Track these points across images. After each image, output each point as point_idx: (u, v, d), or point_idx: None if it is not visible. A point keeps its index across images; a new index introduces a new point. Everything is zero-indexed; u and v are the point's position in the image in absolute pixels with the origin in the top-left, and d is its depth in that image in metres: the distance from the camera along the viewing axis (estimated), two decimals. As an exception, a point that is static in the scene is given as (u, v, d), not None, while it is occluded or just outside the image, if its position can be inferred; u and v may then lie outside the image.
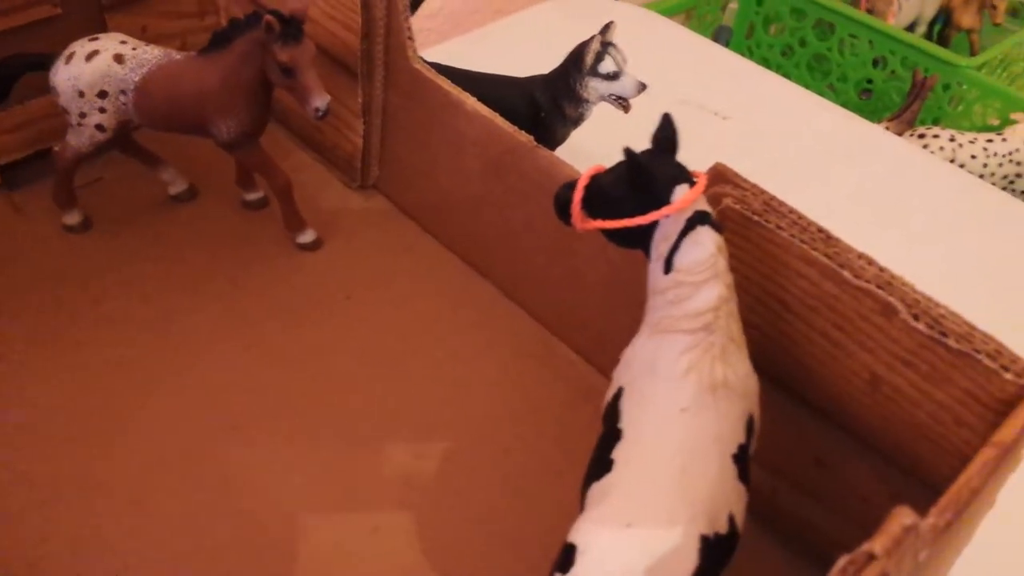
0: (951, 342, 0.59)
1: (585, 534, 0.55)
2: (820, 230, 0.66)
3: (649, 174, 0.62)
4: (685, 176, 0.63)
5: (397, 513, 0.77)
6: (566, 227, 0.68)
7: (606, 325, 0.87)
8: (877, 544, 0.43)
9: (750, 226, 0.69)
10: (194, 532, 0.74)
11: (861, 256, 0.64)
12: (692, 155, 0.66)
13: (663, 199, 0.62)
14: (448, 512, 0.77)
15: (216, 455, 0.80)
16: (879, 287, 0.62)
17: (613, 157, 0.66)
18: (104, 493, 0.77)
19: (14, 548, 0.72)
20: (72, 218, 0.99)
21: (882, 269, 0.63)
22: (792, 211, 0.67)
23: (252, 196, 1.03)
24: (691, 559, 0.53)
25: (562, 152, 0.92)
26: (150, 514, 0.75)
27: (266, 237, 1.01)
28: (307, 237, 0.99)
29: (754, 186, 0.69)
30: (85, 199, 1.00)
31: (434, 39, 1.58)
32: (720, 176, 0.70)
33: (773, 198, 0.68)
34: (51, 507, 0.75)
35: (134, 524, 0.75)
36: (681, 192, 0.62)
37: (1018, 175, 1.61)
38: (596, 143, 0.99)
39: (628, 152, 0.62)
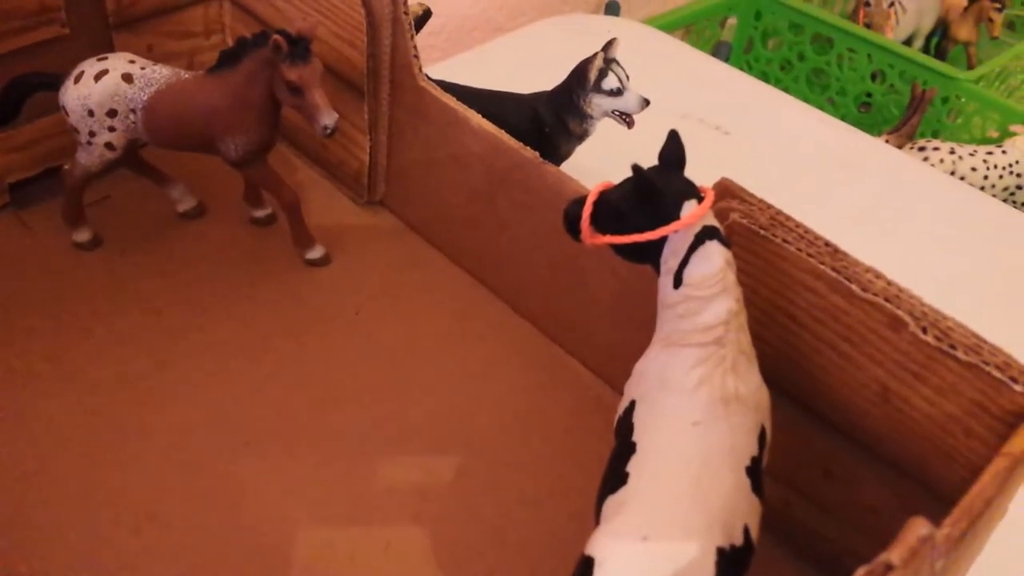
0: (960, 354, 0.60)
1: (602, 547, 0.55)
2: (827, 244, 0.66)
3: (657, 190, 0.63)
4: (693, 191, 0.64)
5: (410, 527, 0.77)
6: (574, 242, 0.69)
7: (614, 338, 0.87)
8: (895, 554, 0.43)
9: (757, 240, 0.69)
10: (207, 547, 0.75)
11: (869, 269, 0.65)
12: (693, 170, 0.66)
13: (672, 214, 0.63)
14: (461, 526, 0.78)
15: (227, 470, 0.80)
16: (887, 300, 0.63)
17: (616, 172, 0.66)
18: (117, 509, 0.77)
19: (28, 563, 0.72)
20: (82, 235, 0.99)
21: (890, 282, 0.64)
22: (799, 225, 0.68)
23: (260, 213, 1.04)
24: (707, 571, 0.53)
25: (566, 168, 0.93)
26: (163, 529, 0.76)
27: (274, 254, 1.01)
28: (315, 253, 1.00)
29: (760, 201, 0.70)
30: (94, 217, 1.00)
31: (436, 56, 1.59)
32: (726, 191, 0.71)
33: (780, 212, 0.69)
34: (65, 522, 0.75)
35: (148, 540, 0.75)
36: (689, 207, 0.63)
37: (1018, 187, 1.63)
38: (599, 159, 1.00)
39: (636, 168, 0.62)
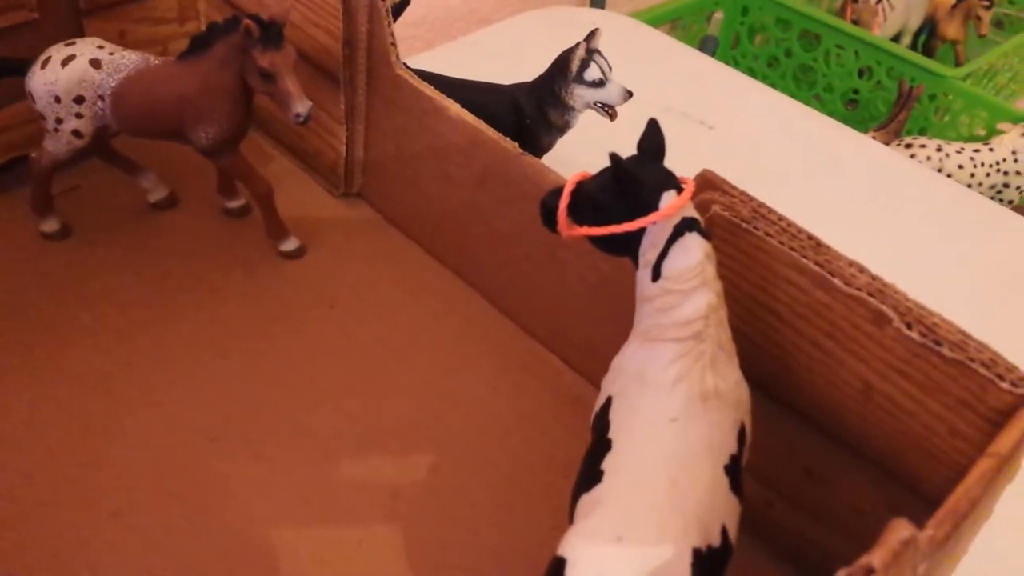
0: (945, 351, 0.58)
1: (574, 547, 0.53)
2: (810, 237, 0.65)
3: (635, 180, 0.61)
4: (672, 182, 0.62)
5: (382, 526, 0.75)
6: (553, 235, 0.67)
7: (594, 334, 0.86)
8: (876, 558, 0.41)
9: (739, 233, 0.67)
10: (174, 547, 0.73)
11: (852, 264, 0.63)
12: (678, 164, 0.64)
13: (650, 205, 0.61)
14: (434, 525, 0.76)
15: (196, 468, 0.78)
16: (871, 295, 0.61)
17: (599, 165, 0.65)
18: (83, 506, 0.75)
19: (-13, 564, 0.70)
20: (50, 225, 0.96)
21: (874, 277, 0.62)
22: (782, 218, 0.66)
23: (233, 204, 1.02)
24: (683, 573, 0.51)
25: (548, 160, 0.91)
26: (130, 528, 0.73)
27: (248, 245, 0.99)
28: (290, 245, 0.98)
29: (743, 193, 0.68)
30: (63, 206, 0.98)
31: (419, 47, 1.57)
32: (708, 183, 0.69)
33: (762, 205, 0.67)
34: (28, 520, 0.73)
35: (114, 538, 0.73)
36: (668, 198, 0.61)
37: (1005, 184, 1.62)
38: (582, 151, 0.98)
39: (614, 158, 0.60)
